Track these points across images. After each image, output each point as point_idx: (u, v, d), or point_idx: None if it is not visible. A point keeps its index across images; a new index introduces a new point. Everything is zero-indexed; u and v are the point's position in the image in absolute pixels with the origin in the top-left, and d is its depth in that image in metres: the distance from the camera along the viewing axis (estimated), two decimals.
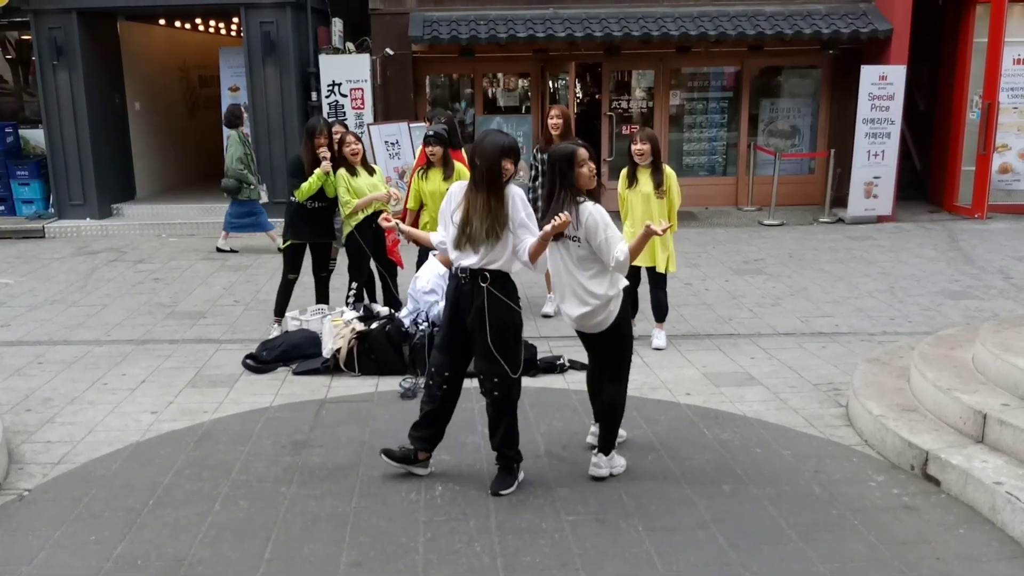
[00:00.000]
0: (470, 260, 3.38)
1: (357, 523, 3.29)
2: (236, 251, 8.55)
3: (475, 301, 3.39)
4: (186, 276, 7.62)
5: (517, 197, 3.38)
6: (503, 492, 3.49)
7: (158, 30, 11.32)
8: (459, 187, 3.48)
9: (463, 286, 3.43)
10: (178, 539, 3.18)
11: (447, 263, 5.17)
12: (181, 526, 3.27)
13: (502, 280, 3.41)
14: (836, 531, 3.20)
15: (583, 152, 3.48)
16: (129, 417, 4.40)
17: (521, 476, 3.58)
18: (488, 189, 3.34)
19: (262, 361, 5.11)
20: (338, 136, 5.57)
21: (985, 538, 3.15)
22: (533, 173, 6.04)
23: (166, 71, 11.62)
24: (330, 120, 6.64)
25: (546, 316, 6.08)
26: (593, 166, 3.53)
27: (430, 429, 3.62)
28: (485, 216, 3.33)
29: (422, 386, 4.65)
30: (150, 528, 3.26)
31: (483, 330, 3.38)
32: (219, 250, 8.51)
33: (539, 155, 5.98)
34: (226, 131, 8.57)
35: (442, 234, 3.58)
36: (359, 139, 5.54)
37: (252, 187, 8.30)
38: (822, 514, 3.32)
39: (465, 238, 3.37)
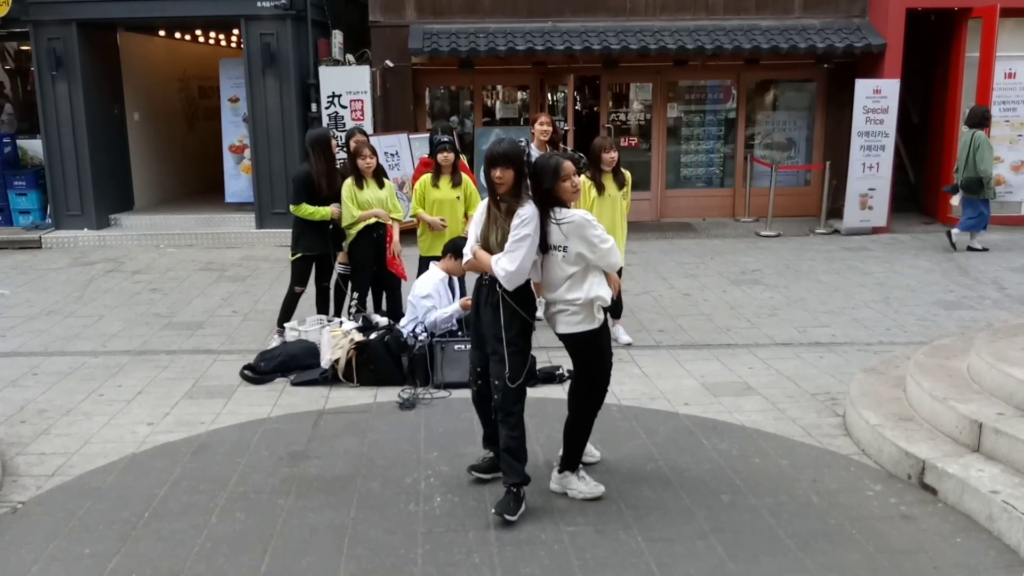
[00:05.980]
0: None
1: (355, 535, 3.28)
2: (987, 249, 8.60)
3: (490, 299, 3.44)
4: (184, 287, 7.61)
5: (522, 217, 3.30)
6: (506, 516, 3.30)
7: (158, 41, 11.35)
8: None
9: (484, 285, 3.48)
10: (174, 552, 3.16)
11: (450, 270, 5.21)
12: (177, 539, 3.25)
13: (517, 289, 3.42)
14: (834, 541, 3.20)
15: (568, 165, 3.46)
16: (125, 429, 4.38)
17: (523, 508, 3.36)
18: (491, 199, 3.43)
19: (260, 372, 5.11)
20: (354, 146, 5.59)
21: (982, 547, 3.15)
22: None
23: (166, 82, 11.64)
24: (350, 129, 6.53)
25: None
26: (577, 180, 3.50)
27: (490, 428, 3.65)
28: (492, 228, 3.41)
29: (420, 396, 4.70)
30: (145, 541, 3.24)
31: (493, 326, 3.40)
32: (970, 248, 8.64)
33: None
34: (968, 130, 8.63)
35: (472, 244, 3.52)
36: (375, 153, 5.53)
37: (992, 188, 8.55)
38: (820, 524, 3.32)
39: (486, 247, 3.44)
